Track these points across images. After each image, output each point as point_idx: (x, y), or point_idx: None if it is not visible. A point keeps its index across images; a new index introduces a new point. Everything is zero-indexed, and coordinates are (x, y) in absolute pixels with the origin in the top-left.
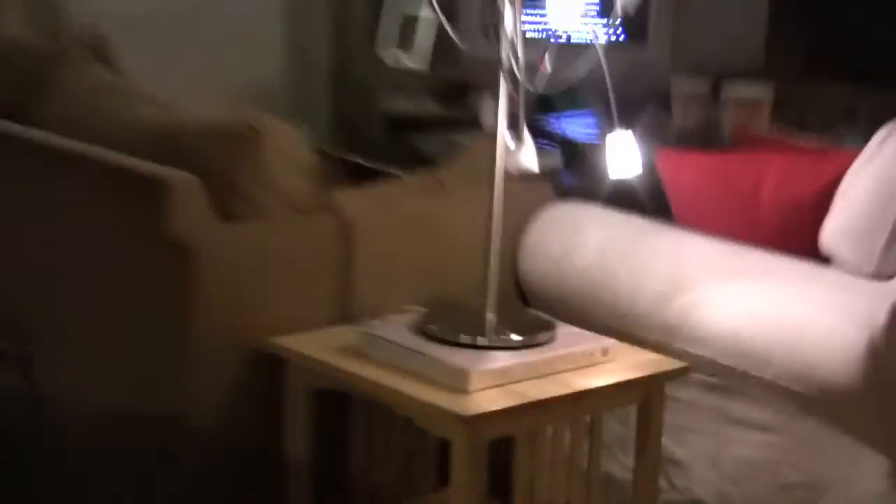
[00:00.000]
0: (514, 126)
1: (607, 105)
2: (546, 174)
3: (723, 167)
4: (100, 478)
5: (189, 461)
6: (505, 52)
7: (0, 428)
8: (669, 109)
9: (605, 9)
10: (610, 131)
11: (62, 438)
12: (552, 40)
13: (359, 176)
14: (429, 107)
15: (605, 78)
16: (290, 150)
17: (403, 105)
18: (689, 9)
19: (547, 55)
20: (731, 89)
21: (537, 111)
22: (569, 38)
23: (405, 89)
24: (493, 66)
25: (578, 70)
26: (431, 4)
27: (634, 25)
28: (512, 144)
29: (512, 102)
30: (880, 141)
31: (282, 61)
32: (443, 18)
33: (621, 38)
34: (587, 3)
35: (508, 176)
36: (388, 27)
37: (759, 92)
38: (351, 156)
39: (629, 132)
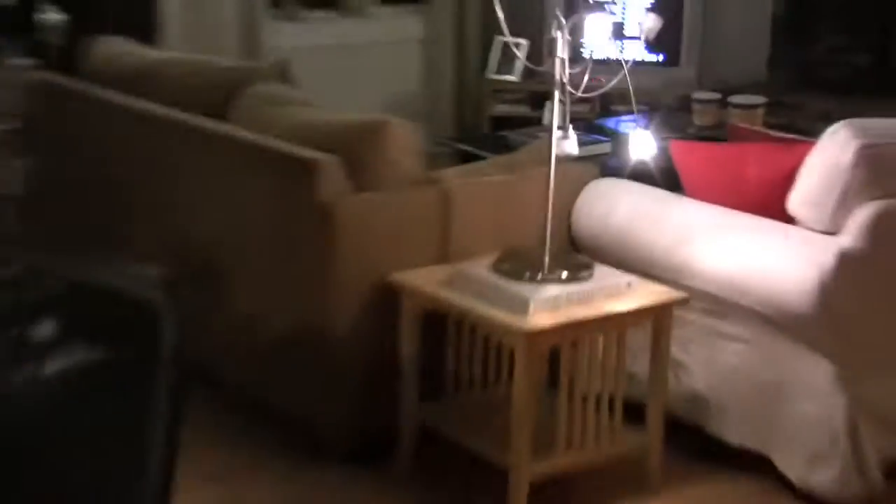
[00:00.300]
0: (564, 123)
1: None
2: (595, 158)
3: (718, 154)
4: (270, 374)
5: (332, 362)
6: (557, 70)
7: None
8: (691, 112)
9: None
10: (634, 128)
11: (245, 351)
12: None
13: (468, 160)
14: (521, 110)
15: (639, 90)
16: (406, 140)
17: (503, 109)
18: (711, 38)
19: (588, 70)
20: (735, 98)
21: (602, 114)
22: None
23: (504, 98)
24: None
25: (610, 83)
26: (514, 45)
27: (672, 51)
28: (562, 136)
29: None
30: (830, 134)
31: (419, 79)
32: (511, 48)
33: (661, 60)
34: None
35: (561, 159)
36: (494, 53)
37: (755, 100)
38: (464, 146)
39: (647, 128)
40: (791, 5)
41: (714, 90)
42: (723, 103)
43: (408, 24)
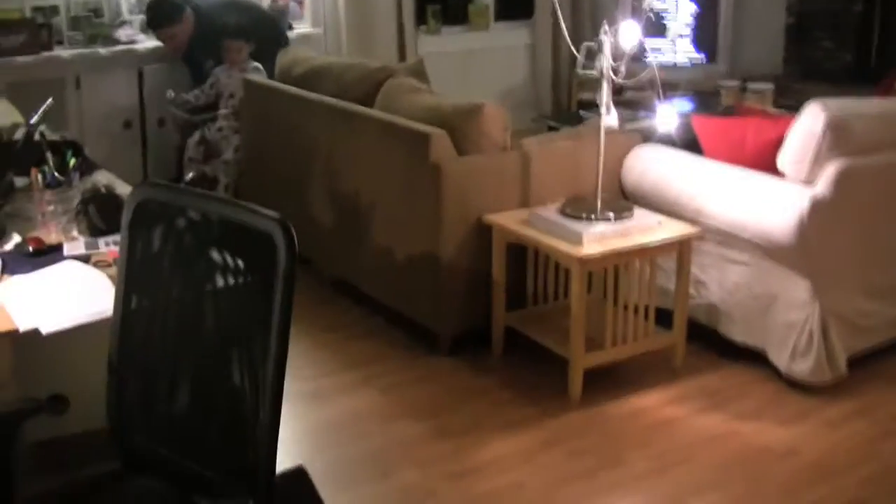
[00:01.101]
0: (610, 103)
1: (665, 94)
2: (637, 130)
3: (727, 125)
4: (398, 288)
5: (441, 281)
6: (606, 63)
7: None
8: (719, 96)
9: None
10: (661, 106)
11: (380, 272)
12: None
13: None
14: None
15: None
16: (497, 118)
17: (587, 95)
18: (740, 42)
19: (624, 63)
20: (751, 85)
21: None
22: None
23: (588, 87)
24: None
25: (641, 74)
26: (595, 47)
27: (710, 52)
28: (607, 113)
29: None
30: (805, 110)
31: (525, 74)
32: (592, 49)
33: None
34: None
35: (608, 130)
36: (581, 53)
37: (765, 87)
38: (551, 122)
39: (672, 106)
40: (799, 18)
41: (742, 80)
42: (742, 89)
43: (517, 35)
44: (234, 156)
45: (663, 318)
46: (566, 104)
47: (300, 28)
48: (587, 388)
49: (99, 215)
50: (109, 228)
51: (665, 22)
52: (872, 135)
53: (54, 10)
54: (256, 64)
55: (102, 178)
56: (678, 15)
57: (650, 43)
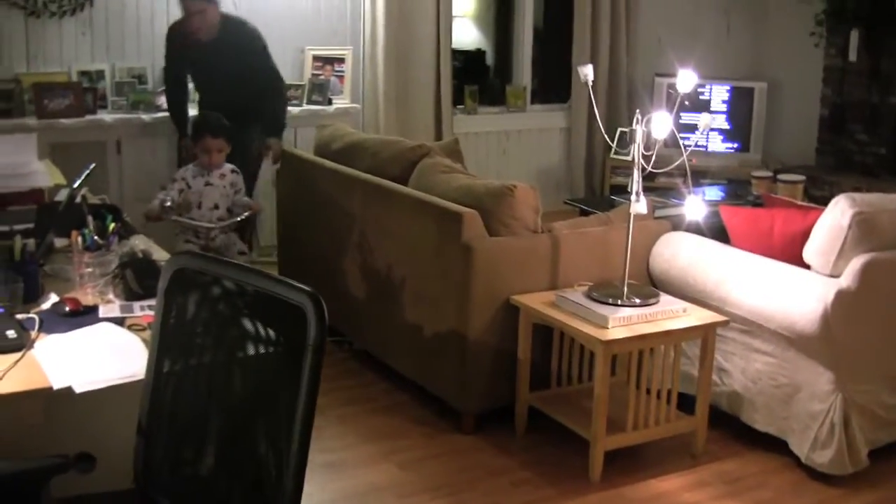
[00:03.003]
0: (640, 190)
1: (696, 182)
2: (671, 217)
3: (754, 216)
4: (424, 365)
5: (467, 359)
6: (636, 153)
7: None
8: (750, 185)
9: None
10: (690, 195)
11: (408, 348)
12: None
13: (586, 215)
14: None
15: (721, 168)
16: (529, 200)
17: (620, 180)
18: (774, 131)
19: (654, 153)
20: (782, 176)
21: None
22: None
23: (622, 172)
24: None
25: (673, 164)
26: (629, 133)
27: (744, 141)
28: (636, 200)
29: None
30: (834, 203)
31: (560, 157)
32: (626, 135)
33: (736, 147)
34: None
35: (640, 216)
36: (616, 138)
37: (796, 178)
38: (583, 206)
39: (701, 194)
40: (833, 109)
41: (775, 170)
42: (774, 179)
43: (553, 118)
44: (243, 259)
45: (686, 403)
46: (599, 188)
47: (339, 103)
48: (607, 470)
49: (136, 280)
50: (145, 293)
51: (699, 112)
52: None
53: (100, 74)
54: (233, 167)
55: (140, 242)
56: (711, 106)
57: (683, 131)
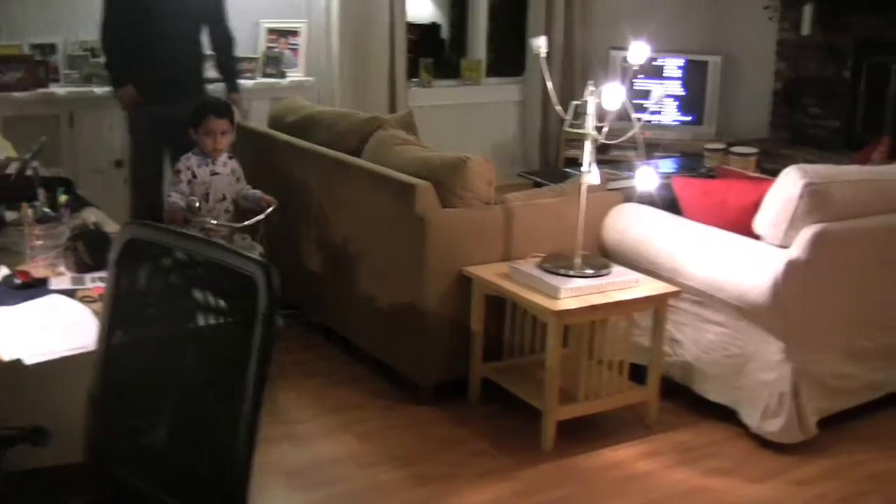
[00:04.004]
0: (593, 162)
1: (649, 154)
2: (621, 189)
3: (706, 187)
4: (380, 337)
5: (423, 331)
6: (589, 122)
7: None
8: (703, 158)
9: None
10: (643, 167)
11: (364, 320)
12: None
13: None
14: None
15: (674, 141)
16: (483, 172)
17: (574, 152)
18: (727, 105)
19: (607, 124)
20: (735, 149)
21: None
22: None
23: (577, 145)
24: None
25: (626, 135)
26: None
27: (698, 114)
28: (588, 171)
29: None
30: (785, 174)
31: (515, 130)
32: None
33: (690, 120)
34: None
35: (593, 188)
36: (569, 111)
37: (749, 150)
38: (537, 178)
39: (653, 166)
40: (786, 83)
41: (728, 143)
42: (727, 152)
43: (508, 91)
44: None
45: (639, 374)
46: (554, 161)
47: (294, 76)
48: (561, 441)
49: (87, 252)
50: (96, 265)
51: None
52: (849, 201)
53: (52, 47)
54: (230, 153)
55: (92, 215)
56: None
57: (636, 103)
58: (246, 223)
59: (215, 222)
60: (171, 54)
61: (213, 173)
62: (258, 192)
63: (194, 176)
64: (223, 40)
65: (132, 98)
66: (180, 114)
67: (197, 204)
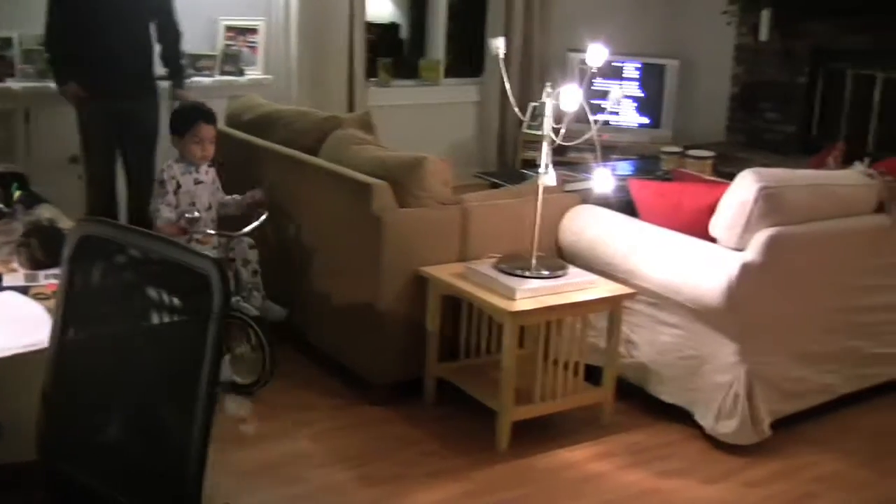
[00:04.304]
0: (549, 163)
1: (606, 157)
2: (582, 190)
3: (663, 189)
4: (335, 336)
5: (378, 331)
6: (547, 126)
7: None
8: (660, 161)
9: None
10: (599, 168)
11: (320, 319)
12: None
13: (496, 188)
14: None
15: (631, 144)
16: (439, 172)
17: (532, 154)
18: (685, 108)
19: (563, 126)
20: (691, 152)
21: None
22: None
23: (534, 145)
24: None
25: (583, 137)
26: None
27: (655, 116)
28: (545, 173)
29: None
30: (740, 178)
31: (473, 131)
32: (538, 110)
33: (648, 122)
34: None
35: (549, 189)
36: (528, 112)
37: (705, 154)
38: (494, 179)
39: (610, 168)
40: (743, 87)
41: (685, 146)
42: (683, 155)
43: (466, 91)
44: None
45: (594, 375)
46: (511, 162)
47: (252, 74)
48: (516, 441)
49: (41, 248)
50: (50, 262)
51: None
52: (803, 205)
53: (8, 42)
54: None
55: (46, 211)
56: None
57: (594, 103)
58: (245, 230)
59: (213, 232)
60: (119, 49)
61: (197, 182)
62: (236, 197)
63: (179, 185)
64: (170, 34)
65: (76, 94)
66: (131, 109)
67: (196, 214)
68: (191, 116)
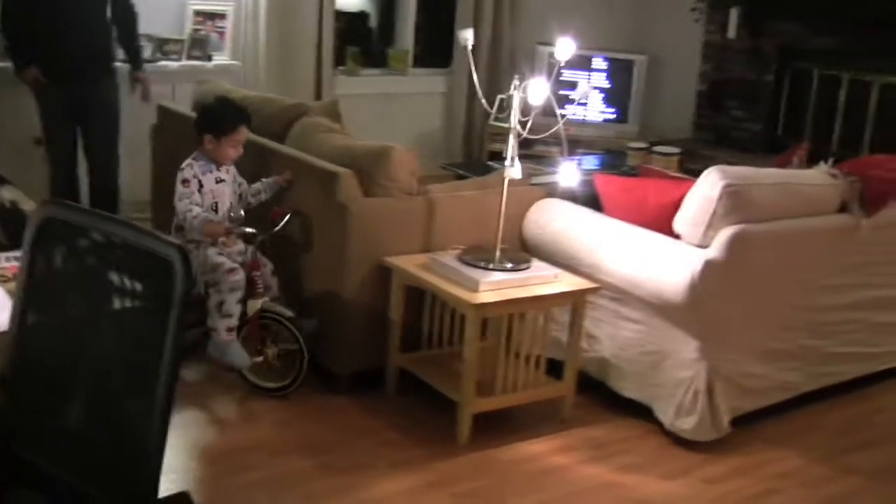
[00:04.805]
0: (515, 156)
1: (572, 150)
2: (543, 184)
3: (628, 185)
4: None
5: (341, 319)
6: (514, 118)
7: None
8: (626, 156)
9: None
10: (565, 162)
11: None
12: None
13: (462, 180)
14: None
15: (598, 138)
16: (405, 162)
17: (498, 146)
18: (652, 103)
19: (530, 120)
20: (657, 148)
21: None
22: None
23: (501, 138)
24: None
25: (549, 131)
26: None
27: (622, 111)
28: (511, 165)
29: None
30: (705, 175)
31: (440, 121)
32: (505, 102)
33: (614, 116)
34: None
35: (515, 182)
36: (495, 104)
37: (672, 150)
38: (460, 170)
39: (575, 163)
40: (711, 84)
41: (652, 142)
42: (649, 151)
43: (434, 82)
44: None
45: (556, 369)
46: (477, 154)
47: (220, 59)
48: (476, 433)
49: (2, 230)
50: (12, 244)
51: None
52: (767, 203)
53: None
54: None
55: (9, 193)
56: (591, 77)
57: (562, 94)
58: (275, 229)
59: (252, 230)
60: (75, 33)
61: (219, 181)
62: (265, 181)
63: (201, 185)
64: (126, 16)
65: (35, 79)
66: (90, 91)
67: (242, 213)
68: (233, 118)
